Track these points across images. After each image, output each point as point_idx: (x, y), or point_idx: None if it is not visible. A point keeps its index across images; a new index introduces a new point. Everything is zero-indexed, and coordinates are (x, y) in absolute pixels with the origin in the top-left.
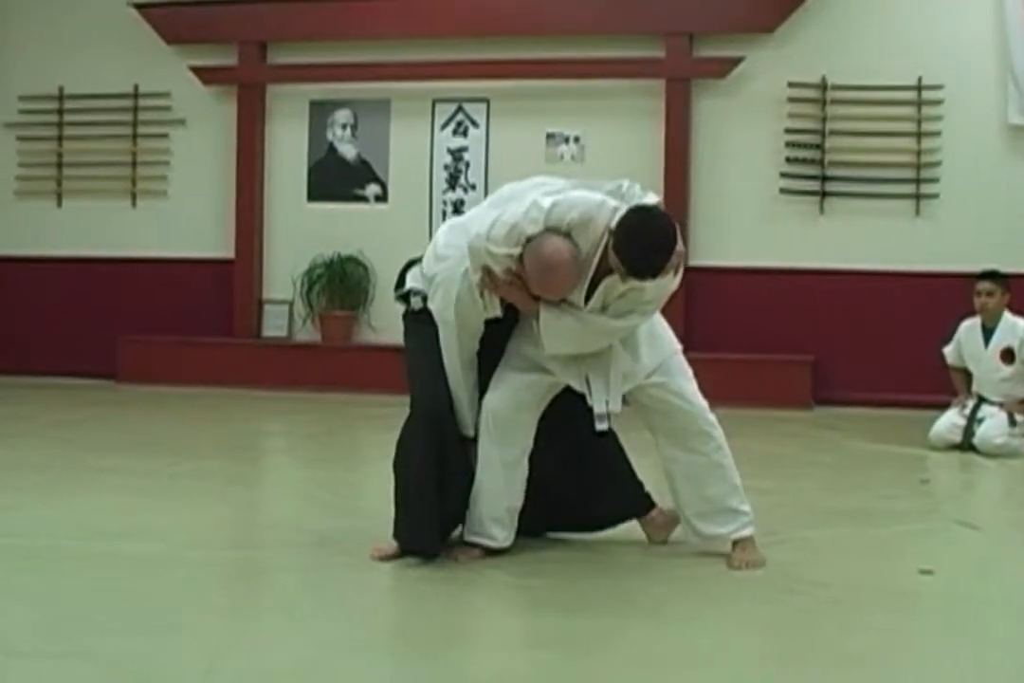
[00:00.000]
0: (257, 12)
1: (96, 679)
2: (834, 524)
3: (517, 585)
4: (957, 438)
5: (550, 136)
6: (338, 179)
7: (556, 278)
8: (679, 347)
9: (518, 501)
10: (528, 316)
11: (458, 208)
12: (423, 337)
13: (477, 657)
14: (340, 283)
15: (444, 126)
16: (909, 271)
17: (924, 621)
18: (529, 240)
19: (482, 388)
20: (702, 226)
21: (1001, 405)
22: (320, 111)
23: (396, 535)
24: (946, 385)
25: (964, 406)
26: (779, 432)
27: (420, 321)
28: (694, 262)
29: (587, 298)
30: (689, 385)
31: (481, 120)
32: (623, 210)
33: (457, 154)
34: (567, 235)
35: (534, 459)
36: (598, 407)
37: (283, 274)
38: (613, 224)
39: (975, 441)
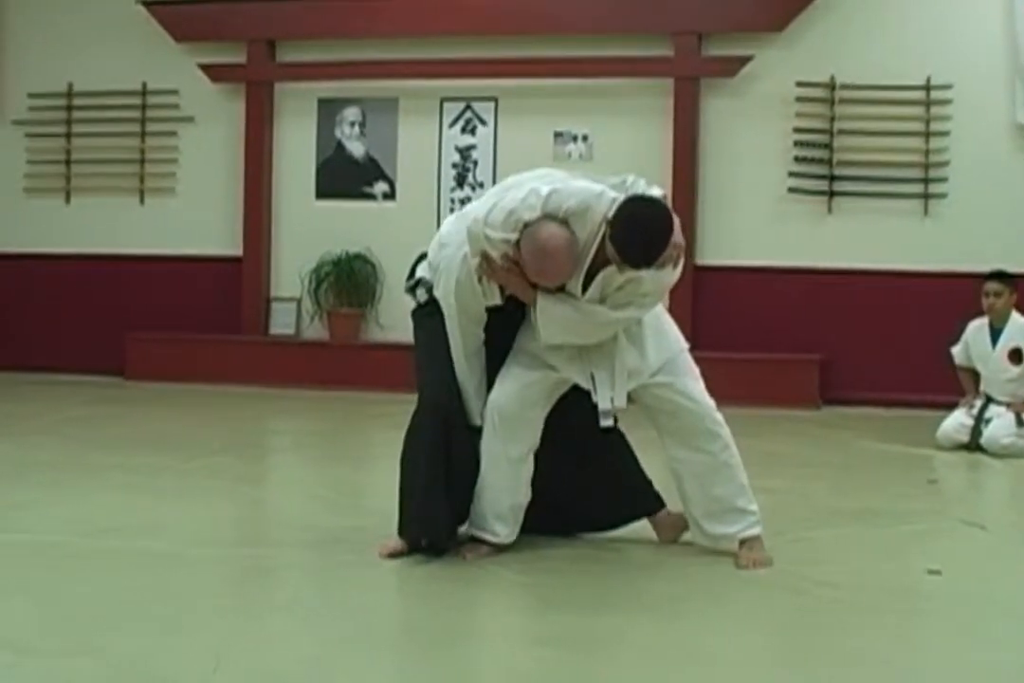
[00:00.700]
0: (266, 10)
1: (103, 676)
2: (842, 524)
3: (522, 583)
4: (964, 438)
5: (558, 135)
6: (346, 177)
7: (551, 264)
8: (686, 345)
9: (524, 498)
10: (530, 307)
11: (466, 206)
12: (431, 329)
13: (483, 655)
14: (348, 281)
15: (452, 124)
16: (917, 271)
17: (931, 621)
18: (526, 226)
19: (492, 379)
20: (710, 225)
21: (1009, 405)
22: (328, 109)
23: (403, 530)
24: (954, 385)
25: (972, 406)
26: (786, 431)
27: (428, 314)
28: (702, 261)
29: (585, 288)
30: (696, 384)
31: (489, 118)
32: (621, 199)
33: (465, 152)
34: (564, 223)
35: (541, 458)
36: (603, 404)
37: (291, 272)
38: (611, 214)
39: (982, 441)
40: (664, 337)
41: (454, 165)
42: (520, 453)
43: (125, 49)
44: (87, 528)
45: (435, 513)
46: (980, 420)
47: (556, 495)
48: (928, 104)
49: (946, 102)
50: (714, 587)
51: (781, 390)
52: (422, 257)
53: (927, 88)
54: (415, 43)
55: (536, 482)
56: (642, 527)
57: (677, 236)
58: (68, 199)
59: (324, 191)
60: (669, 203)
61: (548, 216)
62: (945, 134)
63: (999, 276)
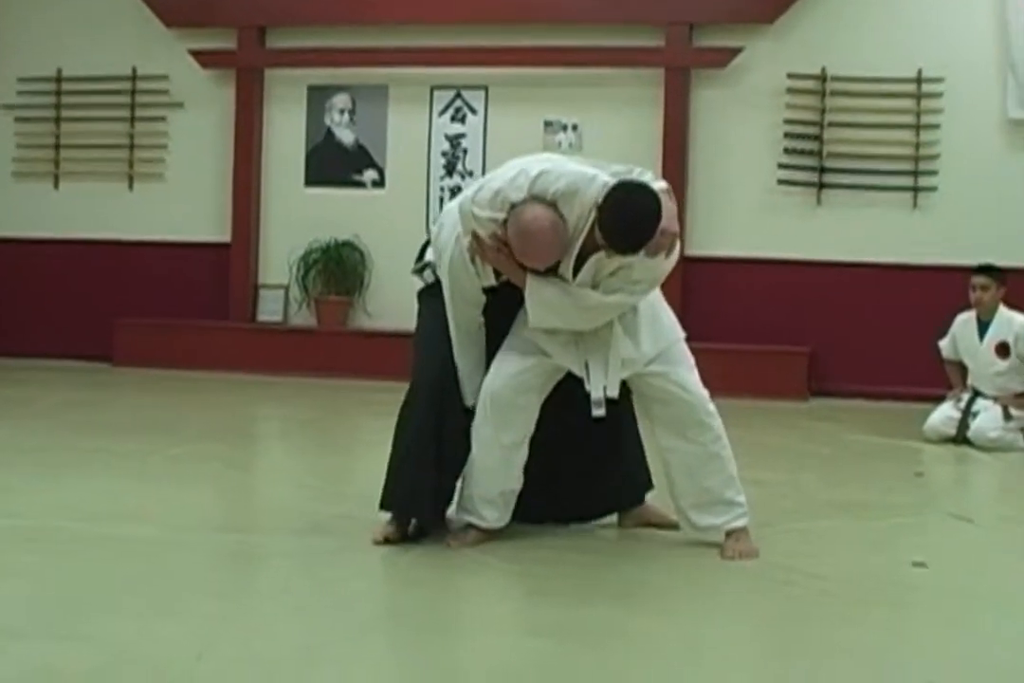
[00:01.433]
0: None
1: (91, 661)
2: (829, 516)
3: (512, 572)
4: (952, 431)
5: (548, 124)
6: (335, 164)
7: (535, 246)
8: (682, 334)
9: (515, 484)
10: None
11: (455, 194)
12: (433, 309)
13: (472, 644)
14: (336, 268)
15: (442, 112)
16: (906, 263)
17: (917, 613)
18: (514, 207)
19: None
20: (699, 216)
21: (996, 399)
22: (318, 96)
23: (387, 505)
24: (941, 378)
25: (959, 399)
26: (774, 423)
27: (433, 295)
28: (691, 252)
29: (576, 272)
30: (690, 375)
31: (479, 107)
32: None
33: (455, 141)
34: (552, 205)
35: (538, 444)
36: (595, 393)
37: (279, 259)
38: (600, 199)
39: (969, 434)
40: (660, 326)
41: (443, 153)
42: (513, 440)
43: (115, 34)
44: (75, 513)
45: (421, 491)
46: (967, 413)
47: (545, 485)
48: (919, 97)
49: (937, 95)
50: (703, 578)
51: (769, 382)
52: (430, 241)
53: (918, 81)
54: (406, 31)
55: (532, 469)
56: None
57: (671, 225)
58: (57, 184)
59: (313, 178)
60: (672, 197)
61: (536, 198)
62: (935, 127)
63: (987, 270)
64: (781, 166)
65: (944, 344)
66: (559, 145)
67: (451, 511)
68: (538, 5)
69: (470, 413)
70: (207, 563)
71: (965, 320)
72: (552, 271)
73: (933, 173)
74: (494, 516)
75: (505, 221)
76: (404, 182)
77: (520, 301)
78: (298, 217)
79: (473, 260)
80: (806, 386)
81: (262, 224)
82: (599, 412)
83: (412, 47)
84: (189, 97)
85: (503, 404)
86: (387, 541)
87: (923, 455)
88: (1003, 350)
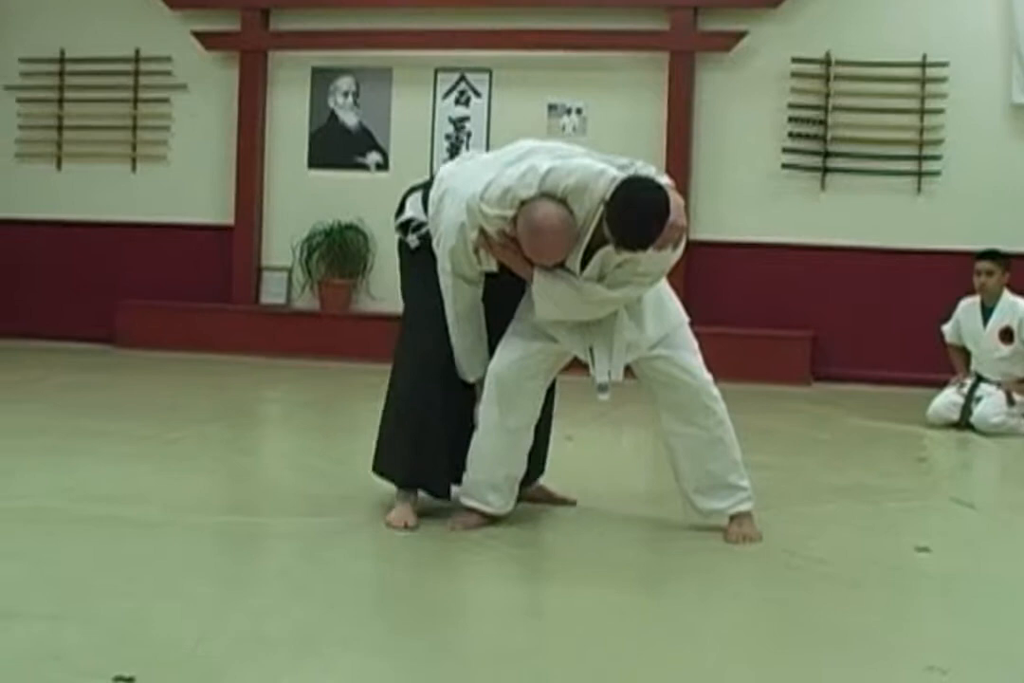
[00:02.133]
0: None
1: (91, 642)
2: (831, 500)
3: (514, 555)
4: (955, 416)
5: (552, 107)
6: (339, 147)
7: (546, 243)
8: (686, 319)
9: (519, 469)
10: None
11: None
12: (421, 278)
13: (473, 626)
14: (339, 251)
15: (446, 95)
16: (909, 248)
17: (919, 598)
18: (523, 204)
19: (493, 342)
20: (703, 200)
21: (999, 384)
22: (322, 78)
23: (405, 476)
24: (945, 363)
25: (962, 384)
26: (777, 408)
27: (420, 262)
28: (694, 236)
29: (584, 265)
30: (694, 359)
31: (483, 90)
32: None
33: (459, 124)
34: (562, 201)
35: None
36: (600, 377)
37: (282, 241)
38: (608, 195)
39: (972, 420)
40: (664, 310)
41: (447, 136)
42: (518, 424)
43: (118, 15)
44: (76, 495)
45: (437, 465)
46: (970, 399)
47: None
48: (924, 82)
49: (942, 80)
50: (706, 562)
51: (772, 366)
52: (412, 190)
53: (923, 65)
54: (410, 13)
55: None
56: (636, 502)
57: (679, 218)
58: (59, 165)
59: (317, 161)
60: (675, 192)
61: (546, 194)
62: (940, 112)
63: (991, 255)
64: (785, 150)
65: (947, 329)
66: (563, 129)
67: (455, 493)
68: None
69: (466, 388)
70: (209, 545)
71: (969, 305)
72: (559, 265)
73: (937, 158)
74: (499, 502)
75: (514, 218)
76: (408, 165)
77: (521, 281)
78: (301, 200)
79: (477, 252)
80: (809, 371)
81: (265, 206)
82: (603, 397)
83: (416, 30)
84: (192, 79)
85: (509, 388)
86: (406, 527)
87: (926, 440)
88: (1007, 335)
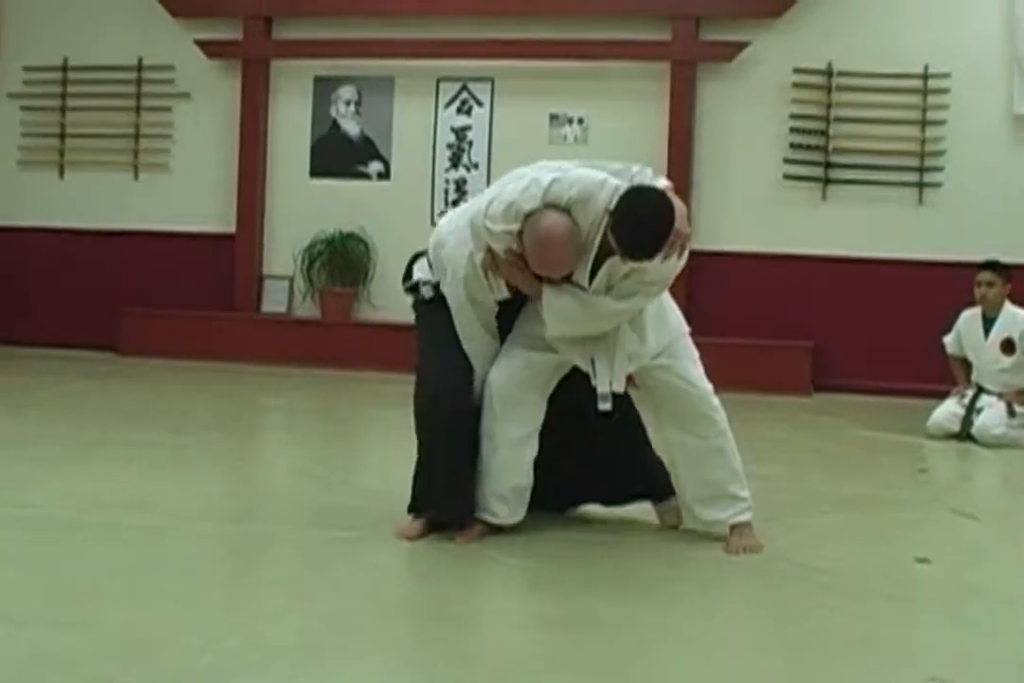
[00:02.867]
0: None
1: (95, 649)
2: (832, 511)
3: (518, 565)
4: (955, 427)
5: (554, 117)
6: (341, 156)
7: (553, 253)
8: (687, 329)
9: (525, 480)
10: (535, 300)
11: (460, 187)
12: (435, 319)
13: (476, 635)
14: (341, 260)
15: (448, 105)
16: (911, 259)
17: (920, 609)
18: (528, 217)
19: None
20: (705, 210)
21: (1000, 395)
22: (324, 87)
23: (421, 510)
24: (946, 374)
25: (963, 396)
26: (778, 418)
27: (432, 308)
28: (696, 246)
29: (592, 277)
30: (695, 368)
31: (485, 99)
32: (623, 190)
33: (461, 133)
34: (566, 212)
35: (552, 432)
36: (601, 388)
37: (284, 250)
38: (612, 205)
39: (973, 431)
40: (665, 321)
41: (449, 145)
42: (520, 434)
43: (121, 24)
44: (79, 502)
45: (460, 498)
46: (971, 410)
47: (565, 467)
48: (925, 93)
49: (943, 91)
50: (708, 572)
51: (773, 376)
52: (416, 257)
53: (925, 77)
54: (412, 23)
55: (547, 455)
56: (639, 512)
57: (682, 225)
58: (62, 173)
59: (318, 169)
60: (674, 195)
61: (550, 206)
62: (942, 123)
63: (992, 266)
64: (787, 161)
65: (949, 340)
66: (564, 138)
67: None
68: None
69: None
70: (212, 553)
71: (970, 316)
72: (566, 278)
73: (939, 169)
74: (505, 512)
75: (520, 233)
76: (409, 174)
77: (522, 301)
78: (303, 208)
79: (487, 275)
80: (809, 381)
81: (267, 215)
82: (605, 406)
83: (419, 39)
84: (195, 87)
85: (509, 400)
86: (411, 539)
87: (926, 451)
88: (1008, 347)
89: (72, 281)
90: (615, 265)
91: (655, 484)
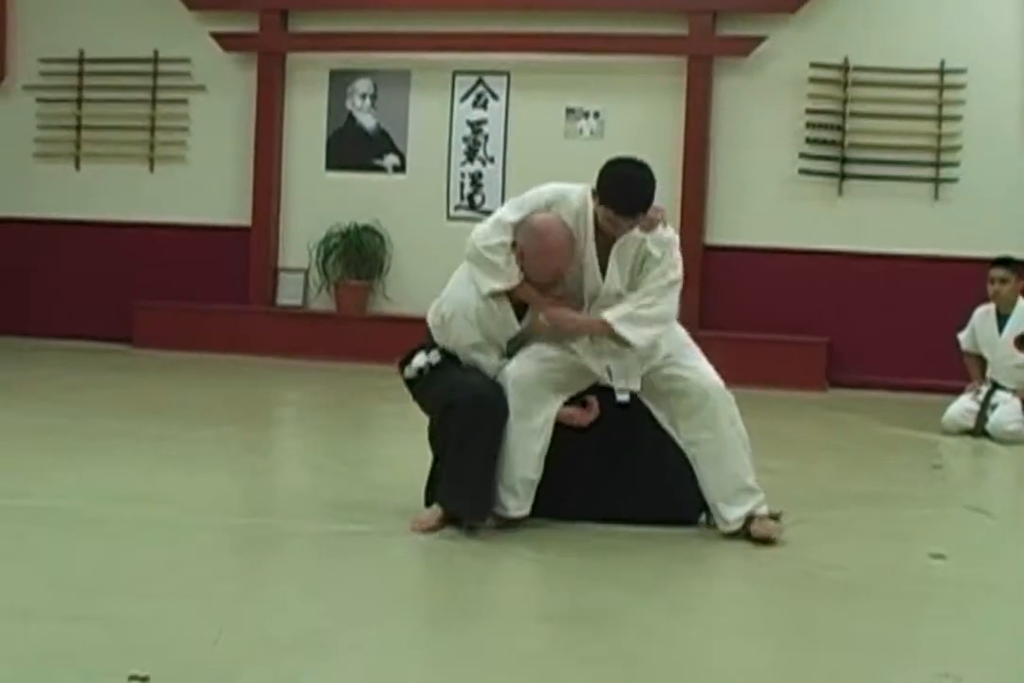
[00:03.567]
0: None
1: (106, 642)
2: (846, 507)
3: (530, 558)
4: (970, 423)
5: (570, 111)
6: (357, 149)
7: (553, 242)
8: (691, 341)
9: (534, 472)
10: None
11: (476, 180)
12: (449, 371)
13: (488, 629)
14: (356, 253)
15: (464, 98)
16: (926, 255)
17: (934, 605)
18: (518, 226)
19: None
20: (720, 205)
21: (1015, 392)
22: (340, 80)
23: (449, 500)
24: (960, 370)
25: (978, 392)
26: (793, 414)
27: (440, 367)
28: (711, 241)
29: (604, 273)
30: (703, 364)
31: (501, 93)
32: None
33: (476, 126)
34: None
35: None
36: (619, 387)
37: (299, 242)
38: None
39: (988, 427)
40: (673, 331)
41: (465, 139)
42: (532, 427)
43: (137, 16)
44: (94, 495)
45: (484, 492)
46: (986, 406)
47: (600, 482)
48: (941, 88)
49: (959, 86)
50: (721, 567)
51: (788, 372)
52: (413, 352)
53: (941, 72)
54: (428, 16)
55: (582, 469)
56: None
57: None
58: (78, 165)
59: (334, 162)
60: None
61: (534, 211)
62: (958, 118)
63: (1005, 262)
64: (803, 156)
65: (963, 337)
66: (580, 132)
67: None
68: None
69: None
70: (224, 546)
71: (984, 313)
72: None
73: (955, 164)
74: (514, 504)
75: (514, 244)
76: (425, 167)
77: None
78: (319, 201)
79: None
80: (824, 377)
81: (283, 208)
82: (623, 397)
83: (435, 32)
84: (211, 80)
85: (524, 390)
86: (426, 531)
87: (941, 447)
88: (1022, 343)
89: (87, 273)
90: (622, 248)
91: (687, 507)
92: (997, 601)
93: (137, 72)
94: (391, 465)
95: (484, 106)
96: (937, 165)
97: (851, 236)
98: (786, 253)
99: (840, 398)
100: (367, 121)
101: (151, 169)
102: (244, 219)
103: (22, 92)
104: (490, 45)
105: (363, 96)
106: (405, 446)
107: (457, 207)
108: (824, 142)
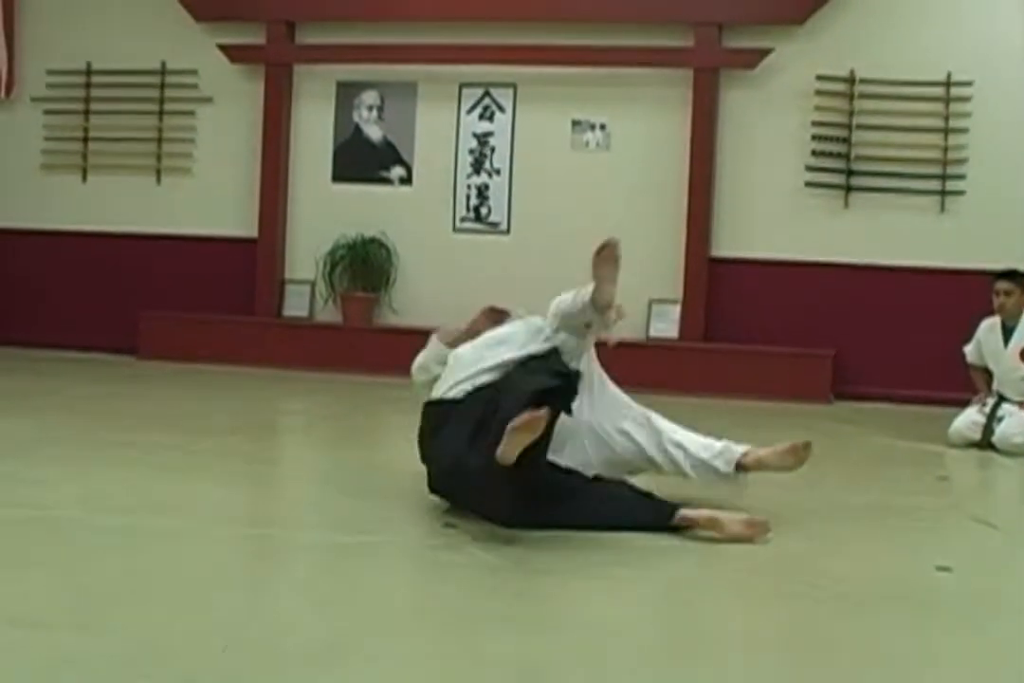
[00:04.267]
0: None
1: (113, 653)
2: (851, 518)
3: (535, 570)
4: (976, 436)
5: (576, 123)
6: (363, 160)
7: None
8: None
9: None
10: None
11: (482, 192)
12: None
13: (496, 641)
14: (362, 264)
15: (471, 110)
16: (932, 267)
17: (940, 618)
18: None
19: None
20: (726, 217)
21: (1021, 404)
22: (347, 92)
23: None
24: (966, 382)
25: (984, 404)
26: (798, 425)
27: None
28: (717, 253)
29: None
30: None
31: (508, 105)
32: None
33: (483, 138)
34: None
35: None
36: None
37: (306, 254)
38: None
39: (994, 439)
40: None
41: (471, 151)
42: None
43: (145, 28)
44: (99, 505)
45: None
46: (992, 418)
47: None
48: (948, 100)
49: (966, 99)
50: (722, 577)
51: (793, 384)
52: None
53: (947, 84)
54: (435, 28)
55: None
56: None
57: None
58: (85, 177)
59: (341, 174)
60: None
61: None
62: (964, 131)
63: (1010, 275)
64: (809, 168)
65: (969, 349)
66: (586, 144)
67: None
68: (568, 4)
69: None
70: (232, 556)
71: (990, 325)
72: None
73: (961, 177)
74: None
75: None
76: (431, 179)
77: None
78: (325, 213)
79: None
80: (830, 389)
81: (289, 219)
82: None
83: (441, 44)
84: (218, 92)
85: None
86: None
87: (947, 459)
88: None
89: (93, 284)
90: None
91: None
92: (1003, 614)
93: (144, 84)
94: (398, 476)
95: (491, 118)
96: (943, 177)
97: (857, 248)
98: (792, 265)
99: (846, 410)
100: (374, 133)
101: (158, 181)
102: (251, 231)
103: (30, 104)
104: (497, 57)
105: (370, 108)
106: (413, 457)
107: (463, 219)
108: (830, 154)
